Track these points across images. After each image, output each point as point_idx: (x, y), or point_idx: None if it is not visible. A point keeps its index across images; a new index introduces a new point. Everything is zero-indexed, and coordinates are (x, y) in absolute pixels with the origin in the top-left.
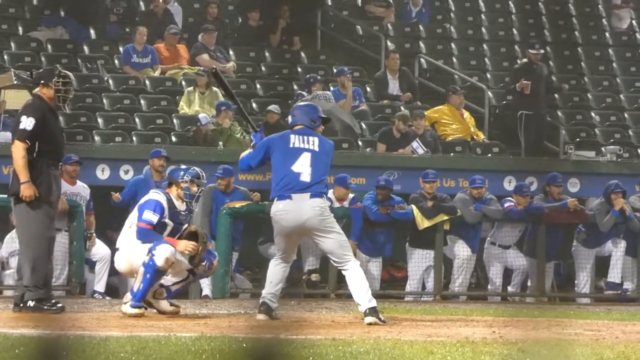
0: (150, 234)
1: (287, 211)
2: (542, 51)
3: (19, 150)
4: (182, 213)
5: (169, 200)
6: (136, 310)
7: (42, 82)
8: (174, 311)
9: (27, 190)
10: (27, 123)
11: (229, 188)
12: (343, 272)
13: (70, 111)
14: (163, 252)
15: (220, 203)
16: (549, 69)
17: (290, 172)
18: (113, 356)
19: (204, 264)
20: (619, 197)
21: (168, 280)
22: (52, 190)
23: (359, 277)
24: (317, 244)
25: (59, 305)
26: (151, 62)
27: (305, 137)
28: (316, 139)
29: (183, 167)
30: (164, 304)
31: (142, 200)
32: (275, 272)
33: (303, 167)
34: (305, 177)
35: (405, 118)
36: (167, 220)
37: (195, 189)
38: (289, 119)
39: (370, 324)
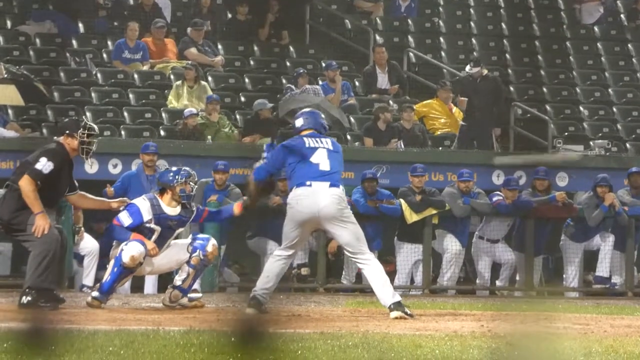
0: (116, 230)
1: (305, 196)
2: (476, 69)
3: (28, 185)
4: (173, 217)
5: (156, 206)
6: (94, 301)
7: (67, 132)
8: (196, 305)
9: (41, 221)
10: (45, 166)
11: (224, 184)
12: (360, 265)
13: (90, 164)
14: (130, 250)
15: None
16: (503, 81)
17: (309, 163)
18: (101, 350)
19: (195, 254)
20: (608, 192)
21: (176, 280)
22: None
23: (378, 272)
24: (332, 234)
25: (61, 296)
26: (142, 58)
27: (318, 139)
28: (328, 140)
29: (173, 169)
30: (185, 302)
31: (132, 200)
32: (274, 267)
33: (322, 159)
34: (324, 166)
35: (384, 109)
36: (153, 226)
37: (189, 188)
38: (296, 123)
39: (396, 318)
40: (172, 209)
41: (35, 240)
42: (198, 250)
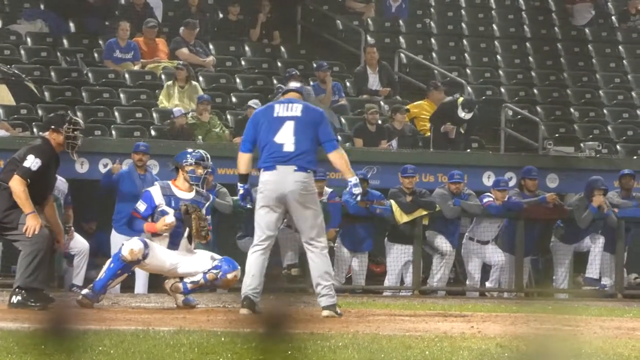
0: (133, 221)
1: (272, 182)
2: (469, 115)
3: (18, 185)
4: (186, 200)
5: (166, 189)
6: (84, 300)
7: (52, 127)
8: (187, 305)
9: (33, 221)
10: (33, 163)
11: (208, 185)
12: (308, 253)
13: (77, 159)
14: (130, 244)
15: None
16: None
17: (274, 143)
18: (91, 350)
19: (215, 271)
20: (601, 195)
21: (187, 278)
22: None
23: (322, 266)
24: (292, 217)
25: (50, 295)
26: (133, 58)
27: (289, 105)
28: (300, 106)
29: (189, 150)
30: (179, 298)
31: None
32: (255, 262)
33: (286, 137)
34: (289, 147)
35: (368, 108)
36: (166, 208)
37: (200, 171)
38: (280, 88)
39: (326, 316)
40: (185, 193)
41: (25, 240)
42: (219, 270)
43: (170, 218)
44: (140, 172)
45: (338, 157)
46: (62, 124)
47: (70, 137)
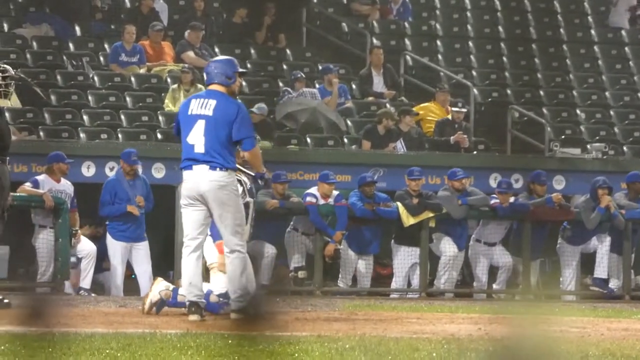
0: None
1: (188, 180)
2: (464, 110)
3: None
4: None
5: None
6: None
7: None
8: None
9: None
10: None
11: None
12: (227, 258)
13: (12, 104)
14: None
15: None
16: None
17: (186, 143)
18: (98, 352)
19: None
20: (605, 194)
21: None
22: (3, 187)
23: (236, 271)
24: (213, 217)
25: (5, 301)
26: (138, 62)
27: (205, 101)
28: (213, 102)
29: None
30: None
31: None
32: (188, 266)
33: (197, 138)
34: (199, 148)
35: (391, 115)
36: None
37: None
38: (205, 76)
39: (235, 318)
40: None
41: None
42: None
43: None
44: (129, 178)
45: (252, 156)
46: None
47: (1, 85)
